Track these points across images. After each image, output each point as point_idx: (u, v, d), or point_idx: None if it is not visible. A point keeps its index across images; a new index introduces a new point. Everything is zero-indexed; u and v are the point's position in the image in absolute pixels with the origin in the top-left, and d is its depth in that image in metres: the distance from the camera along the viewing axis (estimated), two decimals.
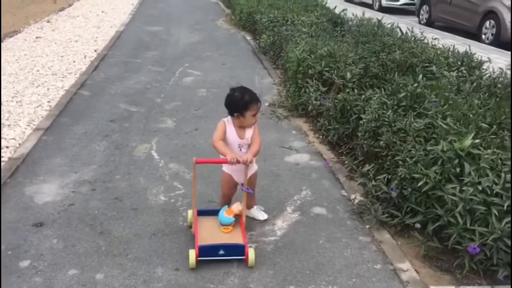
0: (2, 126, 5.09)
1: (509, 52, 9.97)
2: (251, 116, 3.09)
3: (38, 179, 4.01)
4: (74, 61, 8.11)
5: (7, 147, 4.63)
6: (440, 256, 3.11)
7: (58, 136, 4.93)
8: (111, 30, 11.02)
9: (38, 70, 7.49)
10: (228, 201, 3.38)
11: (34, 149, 4.60)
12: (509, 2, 10.58)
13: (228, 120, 3.16)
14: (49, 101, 6.04)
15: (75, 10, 14.19)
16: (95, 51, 8.91)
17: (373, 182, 3.64)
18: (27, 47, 9.08)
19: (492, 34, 10.98)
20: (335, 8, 9.08)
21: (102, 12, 13.89)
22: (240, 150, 3.16)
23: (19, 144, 4.73)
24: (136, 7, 15.17)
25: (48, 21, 11.99)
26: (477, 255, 2.78)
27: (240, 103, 3.05)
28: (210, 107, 5.93)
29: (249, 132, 3.16)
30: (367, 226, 3.44)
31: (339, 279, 2.90)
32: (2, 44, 9.04)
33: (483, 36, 11.23)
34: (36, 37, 9.99)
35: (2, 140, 4.73)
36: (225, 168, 3.27)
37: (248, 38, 10.37)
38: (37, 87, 6.64)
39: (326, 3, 10.04)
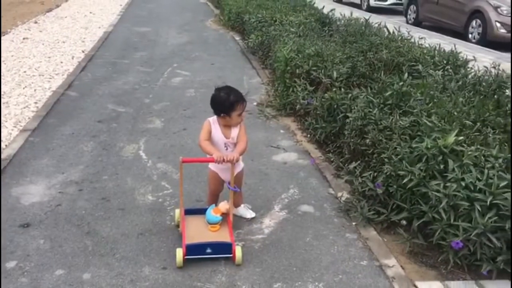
0: None
1: (495, 51, 10.09)
2: (237, 115, 3.10)
3: (25, 180, 3.99)
4: (61, 62, 8.06)
5: None
6: (425, 252, 3.15)
7: (45, 137, 4.91)
8: (99, 31, 10.97)
9: (25, 71, 7.44)
10: (215, 199, 3.40)
11: (21, 150, 4.57)
12: (494, 2, 10.71)
13: (213, 120, 3.16)
14: (36, 102, 6.01)
15: (62, 11, 14.11)
16: (83, 52, 8.87)
17: (360, 180, 3.67)
18: (14, 48, 9.02)
19: (478, 33, 11.10)
20: (323, 8, 9.12)
21: (90, 13, 13.83)
22: (226, 149, 3.17)
23: (6, 145, 4.70)
24: (125, 8, 15.12)
25: (36, 22, 11.91)
26: (461, 250, 2.82)
27: (226, 103, 3.05)
28: (199, 107, 5.93)
29: (235, 131, 3.17)
30: (354, 223, 3.47)
31: (325, 275, 2.92)
32: None
33: (470, 36, 11.34)
34: (24, 38, 9.92)
35: None
36: (211, 165, 3.29)
37: (237, 38, 10.39)
38: (24, 88, 6.60)
39: (314, 3, 10.09)
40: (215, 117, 3.16)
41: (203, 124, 3.15)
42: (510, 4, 10.55)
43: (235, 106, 3.06)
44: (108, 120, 5.43)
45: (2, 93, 6.32)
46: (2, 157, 4.40)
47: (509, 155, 3.03)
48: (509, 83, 4.50)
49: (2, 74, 7.22)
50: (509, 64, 7.82)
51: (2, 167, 4.17)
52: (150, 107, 5.92)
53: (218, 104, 3.08)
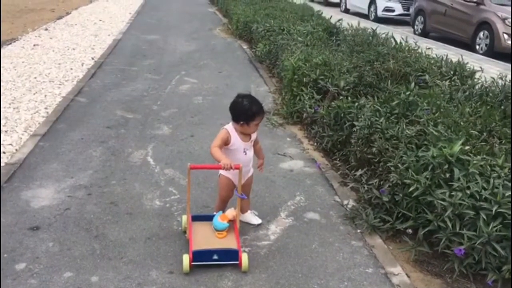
0: None
1: (503, 63, 10.10)
2: (255, 125, 3.19)
3: (34, 184, 4.05)
4: (71, 69, 8.16)
5: (4, 152, 4.66)
6: (430, 260, 3.17)
7: (54, 142, 4.97)
8: (109, 39, 11.10)
9: (35, 77, 7.54)
10: (224, 206, 3.41)
11: (31, 154, 4.64)
12: (502, 13, 10.73)
13: (230, 128, 3.21)
14: (46, 108, 6.08)
15: (73, 18, 14.27)
16: (93, 58, 8.97)
17: (365, 188, 3.70)
18: (25, 55, 9.13)
19: (486, 45, 11.12)
20: (330, 18, 9.19)
21: (100, 20, 13.98)
22: (245, 154, 3.24)
23: (16, 149, 4.77)
24: (134, 16, 15.27)
25: (46, 29, 12.06)
26: (466, 259, 2.83)
27: (248, 112, 3.13)
28: (206, 114, 5.99)
29: (253, 135, 3.29)
30: (359, 231, 3.48)
31: (331, 282, 2.94)
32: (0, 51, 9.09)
33: (477, 47, 11.36)
34: (34, 45, 10.05)
35: None
36: (224, 172, 3.29)
37: (245, 47, 10.47)
38: (34, 94, 6.69)
39: (322, 13, 10.16)
40: (230, 124, 3.22)
41: (220, 131, 3.19)
42: None
43: (255, 117, 3.14)
44: (117, 126, 5.49)
45: (12, 98, 6.41)
46: (12, 161, 4.46)
47: None
48: None
49: (13, 80, 7.32)
50: None
51: (12, 172, 4.23)
52: (158, 113, 5.98)
53: (239, 111, 3.15)
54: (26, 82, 7.24)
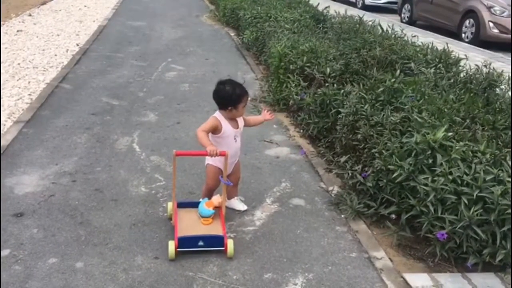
0: None
1: (488, 51, 10.18)
2: (242, 107, 3.20)
3: (18, 171, 4.01)
4: (55, 55, 8.06)
5: None
6: (413, 245, 3.21)
7: (39, 128, 4.92)
8: (94, 25, 10.95)
9: (19, 63, 7.43)
10: (211, 195, 3.41)
11: (15, 141, 4.59)
12: (488, 2, 10.80)
13: (219, 115, 3.21)
14: (30, 94, 6.01)
15: (57, 4, 14.05)
16: (77, 45, 8.86)
17: (350, 174, 3.73)
18: (8, 41, 8.99)
19: (471, 33, 11.19)
20: (318, 5, 9.17)
21: (85, 6, 13.78)
22: (236, 140, 3.25)
23: None
24: (120, 1, 15.07)
25: (30, 15, 11.87)
26: (447, 243, 2.88)
27: (233, 96, 3.14)
28: (193, 101, 5.96)
29: (241, 121, 3.29)
30: (344, 216, 3.52)
31: (315, 266, 2.97)
32: None
33: (463, 35, 11.43)
34: (17, 31, 9.89)
35: None
36: (212, 161, 3.28)
37: (232, 34, 10.41)
38: (18, 80, 6.60)
39: (309, 0, 10.13)
40: (218, 112, 3.22)
41: (210, 118, 3.19)
42: (503, 4, 10.65)
43: (241, 99, 3.15)
44: (102, 112, 5.45)
45: None
46: None
47: (496, 150, 3.09)
48: (499, 82, 4.58)
49: None
50: (501, 63, 7.92)
51: None
52: (144, 100, 5.94)
53: (224, 97, 3.15)
54: (9, 68, 7.14)
